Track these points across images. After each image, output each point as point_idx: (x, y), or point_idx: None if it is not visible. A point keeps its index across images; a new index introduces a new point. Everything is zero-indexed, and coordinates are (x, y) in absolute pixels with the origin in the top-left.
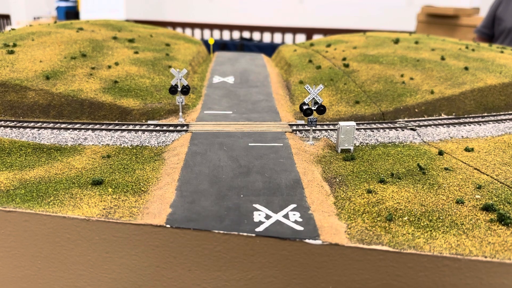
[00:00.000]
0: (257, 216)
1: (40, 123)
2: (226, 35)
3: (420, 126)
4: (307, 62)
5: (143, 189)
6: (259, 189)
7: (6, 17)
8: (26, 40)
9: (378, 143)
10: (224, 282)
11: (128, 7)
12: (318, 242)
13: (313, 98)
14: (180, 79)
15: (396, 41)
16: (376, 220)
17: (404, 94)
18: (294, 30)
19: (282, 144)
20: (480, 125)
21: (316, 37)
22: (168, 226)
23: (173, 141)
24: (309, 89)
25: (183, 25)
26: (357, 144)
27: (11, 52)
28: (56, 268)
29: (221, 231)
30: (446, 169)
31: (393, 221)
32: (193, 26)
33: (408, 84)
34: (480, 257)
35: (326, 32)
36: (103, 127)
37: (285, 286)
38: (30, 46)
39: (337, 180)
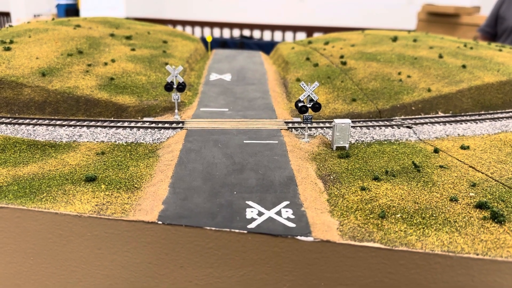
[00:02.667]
0: (250, 213)
1: (35, 120)
2: (226, 33)
3: (416, 124)
4: (304, 60)
5: (136, 185)
6: (252, 186)
7: (6, 15)
8: (23, 37)
9: (374, 140)
10: (216, 279)
11: (128, 5)
12: (310, 239)
13: (309, 95)
14: (176, 76)
15: (394, 39)
16: (368, 217)
17: (401, 92)
18: (295, 29)
19: (277, 142)
20: (477, 123)
21: (317, 36)
22: (160, 222)
23: (168, 138)
24: (304, 86)
25: (183, 23)
26: (352, 142)
27: (8, 49)
28: (49, 265)
29: (213, 228)
30: (441, 167)
31: (386, 218)
32: (193, 24)
33: (405, 82)
34: (472, 254)
35: (326, 30)
36: (99, 124)
37: (277, 282)
38: (26, 43)
39: (331, 177)
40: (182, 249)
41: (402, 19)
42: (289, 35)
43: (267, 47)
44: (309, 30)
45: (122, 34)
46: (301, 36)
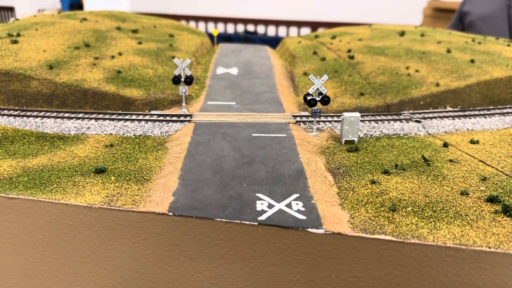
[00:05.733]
0: (260, 205)
1: (43, 112)
2: (230, 28)
3: (425, 118)
4: (311, 54)
5: (145, 177)
6: (262, 179)
7: (10, 9)
8: (29, 30)
9: (383, 134)
10: (226, 270)
11: None
12: (321, 231)
13: (318, 88)
14: (184, 69)
15: (402, 33)
16: (379, 210)
17: (409, 86)
18: (299, 24)
19: (285, 135)
20: (486, 117)
21: (322, 30)
22: (170, 214)
23: (176, 131)
24: (313, 79)
25: (187, 18)
26: (361, 136)
27: (15, 42)
28: (59, 255)
29: (224, 220)
30: (451, 161)
31: (397, 212)
32: (197, 19)
33: (414, 76)
34: (484, 247)
35: (331, 25)
36: (106, 116)
37: (287, 274)
38: (33, 36)
39: (341, 170)
40: (193, 241)
41: (407, 15)
42: (293, 30)
43: (272, 42)
44: (314, 26)
45: (128, 27)
46: (306, 31)
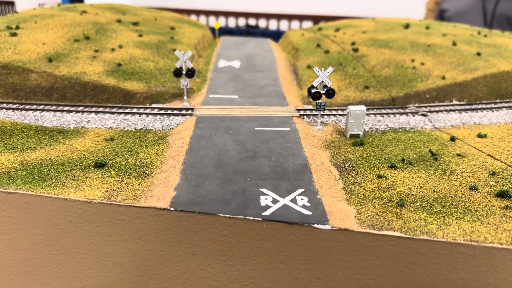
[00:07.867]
0: (264, 200)
1: (42, 106)
2: (232, 22)
3: (431, 111)
4: (315, 47)
5: (146, 172)
6: (265, 173)
7: (11, 4)
8: (29, 22)
9: (388, 128)
10: (229, 267)
11: None
12: (327, 227)
13: (322, 81)
14: (185, 62)
15: (407, 26)
16: (387, 206)
17: (415, 79)
18: (301, 17)
19: (289, 129)
20: (493, 111)
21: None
22: (172, 209)
23: (177, 124)
24: (318, 71)
25: (189, 12)
26: (366, 130)
27: (14, 35)
28: (58, 252)
29: (227, 215)
30: (458, 155)
31: (405, 207)
32: (198, 13)
33: (419, 69)
34: (496, 244)
35: (333, 19)
36: (107, 110)
37: (292, 271)
38: (33, 29)
39: (346, 165)
40: (195, 237)
41: (410, 9)
42: (295, 24)
43: (273, 36)
44: (316, 19)
45: (129, 20)
46: (308, 25)
